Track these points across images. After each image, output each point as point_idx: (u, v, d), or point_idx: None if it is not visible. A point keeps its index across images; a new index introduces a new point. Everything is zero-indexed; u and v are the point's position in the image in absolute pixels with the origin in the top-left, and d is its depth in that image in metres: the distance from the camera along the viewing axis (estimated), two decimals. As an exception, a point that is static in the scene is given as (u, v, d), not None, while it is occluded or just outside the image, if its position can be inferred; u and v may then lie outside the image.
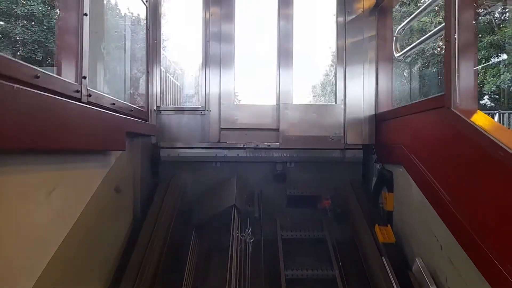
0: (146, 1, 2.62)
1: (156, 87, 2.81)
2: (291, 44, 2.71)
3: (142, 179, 2.44)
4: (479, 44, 15.93)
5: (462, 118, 1.60)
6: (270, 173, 2.65)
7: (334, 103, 2.68)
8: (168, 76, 4.07)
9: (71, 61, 1.63)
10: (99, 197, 1.78)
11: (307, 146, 2.62)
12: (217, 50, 2.72)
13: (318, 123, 2.64)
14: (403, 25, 2.65)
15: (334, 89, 2.70)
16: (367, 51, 2.66)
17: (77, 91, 1.60)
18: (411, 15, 2.61)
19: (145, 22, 2.66)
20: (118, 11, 2.64)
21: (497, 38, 15.84)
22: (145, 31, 2.66)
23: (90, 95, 1.70)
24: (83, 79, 1.66)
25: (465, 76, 1.65)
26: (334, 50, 2.78)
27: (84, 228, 1.62)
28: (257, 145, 2.62)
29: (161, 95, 2.94)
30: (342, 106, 2.64)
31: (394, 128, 2.36)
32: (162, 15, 2.93)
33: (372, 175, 2.55)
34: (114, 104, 2.00)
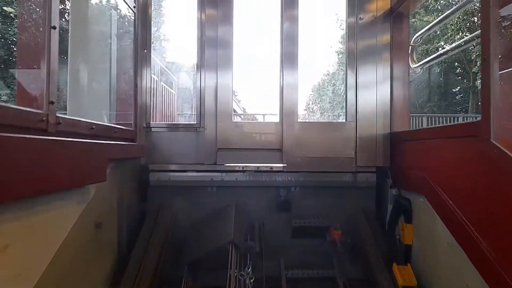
0: (134, 7, 2.34)
1: (146, 102, 2.54)
2: (296, 48, 2.43)
3: (128, 208, 2.17)
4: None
5: (505, 153, 1.32)
6: (272, 199, 2.37)
7: (344, 120, 2.40)
8: (163, 86, 3.79)
9: (35, 84, 1.36)
10: (74, 238, 1.51)
11: (314, 168, 2.35)
12: (213, 57, 2.44)
13: (326, 142, 2.36)
14: (421, 33, 2.38)
15: (344, 105, 2.42)
16: (381, 61, 2.38)
17: (43, 120, 1.33)
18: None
19: (133, 29, 2.38)
20: (103, 19, 2.36)
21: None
22: (132, 39, 2.38)
23: (59, 123, 1.42)
24: (50, 105, 1.38)
25: (508, 101, 1.37)
26: (343, 60, 2.50)
27: (55, 277, 1.35)
28: (258, 168, 2.34)
29: (152, 110, 2.66)
30: (353, 123, 2.36)
31: (414, 151, 2.09)
32: (153, 21, 2.65)
33: (387, 202, 2.27)
34: (93, 128, 1.73)
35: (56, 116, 1.40)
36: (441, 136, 1.76)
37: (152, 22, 2.57)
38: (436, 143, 1.83)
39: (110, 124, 1.94)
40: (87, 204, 1.67)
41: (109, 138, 1.93)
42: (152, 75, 3.53)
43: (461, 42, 1.95)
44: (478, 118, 1.44)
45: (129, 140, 2.26)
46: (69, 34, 2.38)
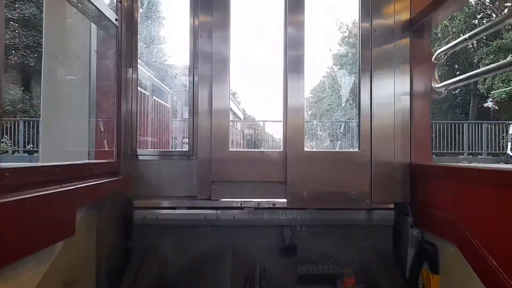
0: (116, 20, 2.04)
1: (132, 126, 2.23)
2: (301, 62, 2.12)
3: (108, 255, 1.87)
4: (487, 49, 15.37)
5: None
6: (275, 241, 2.06)
7: (357, 149, 2.09)
8: (155, 100, 3.49)
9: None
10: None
11: (323, 205, 2.04)
12: (207, 70, 2.13)
13: (337, 175, 2.06)
14: (446, 49, 2.08)
15: (357, 133, 2.11)
16: (400, 82, 2.08)
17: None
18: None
19: (115, 45, 2.08)
20: (81, 33, 2.07)
21: (506, 42, 15.29)
22: (115, 57, 2.08)
23: (5, 176, 1.12)
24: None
25: None
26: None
27: None
28: (258, 204, 2.04)
29: (142, 131, 2.35)
30: (367, 153, 2.06)
31: (440, 188, 1.78)
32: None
33: (407, 244, 1.96)
34: (57, 171, 1.42)
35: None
36: (480, 180, 1.46)
37: (138, 36, 2.27)
38: (470, 184, 1.53)
39: (82, 162, 1.64)
40: (51, 263, 1.37)
41: (82, 178, 1.63)
42: (143, 90, 3.23)
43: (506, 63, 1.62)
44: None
45: (110, 174, 1.96)
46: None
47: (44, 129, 2.10)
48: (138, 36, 2.31)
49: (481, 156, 10.41)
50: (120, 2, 2.11)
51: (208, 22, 2.14)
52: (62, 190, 1.36)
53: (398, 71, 2.08)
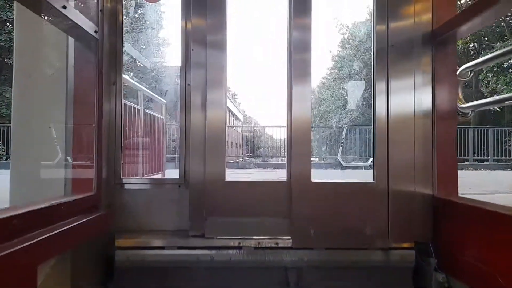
0: (96, 32, 1.78)
1: (116, 151, 1.97)
2: (308, 66, 1.87)
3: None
4: (490, 51, 15.08)
5: None
6: (279, 286, 1.80)
7: (372, 179, 1.83)
8: (147, 114, 3.22)
9: None
10: None
11: (333, 244, 1.78)
12: (200, 84, 1.88)
13: (349, 209, 1.80)
14: (472, 65, 1.82)
15: (372, 161, 1.85)
16: (420, 102, 1.82)
17: None
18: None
19: (96, 60, 1.82)
20: (57, 47, 1.81)
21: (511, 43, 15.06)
22: (95, 74, 1.82)
23: None
24: None
25: None
26: (371, 98, 1.94)
27: None
28: (259, 244, 1.77)
29: (123, 162, 2.08)
30: (384, 184, 1.80)
31: (470, 228, 1.52)
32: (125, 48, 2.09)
33: (431, 290, 1.70)
34: (13, 223, 1.16)
35: None
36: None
37: (123, 49, 2.01)
38: (507, 229, 1.27)
39: (49, 204, 1.37)
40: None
41: (50, 223, 1.37)
42: (132, 104, 2.97)
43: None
44: None
45: (88, 210, 1.70)
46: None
47: (14, 157, 1.84)
48: (124, 48, 2.05)
49: (487, 163, 10.14)
50: (101, 11, 1.85)
51: (201, 25, 1.88)
52: (18, 249, 1.10)
53: (419, 90, 1.82)
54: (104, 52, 1.88)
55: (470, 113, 1.85)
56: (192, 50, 1.88)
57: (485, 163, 10.13)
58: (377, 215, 1.79)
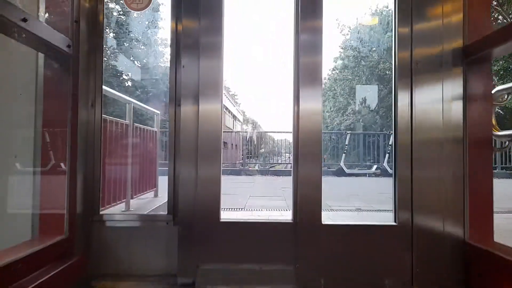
0: (69, 46, 1.51)
1: (94, 180, 1.71)
2: (319, 71, 1.61)
3: None
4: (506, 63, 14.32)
5: None
6: None
7: (393, 221, 1.56)
8: (137, 128, 2.95)
9: None
10: None
11: (347, 298, 1.51)
12: (192, 86, 1.62)
13: (366, 256, 1.53)
14: (509, 88, 1.55)
15: (393, 201, 1.58)
16: (448, 128, 1.55)
17: None
18: None
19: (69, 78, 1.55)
20: (25, 64, 1.54)
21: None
22: (69, 94, 1.55)
23: None
24: None
25: None
26: (392, 120, 1.68)
27: None
28: None
29: (103, 190, 1.82)
30: (407, 227, 1.53)
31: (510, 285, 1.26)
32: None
33: None
34: None
35: None
36: None
37: (103, 65, 1.74)
38: None
39: (5, 262, 1.11)
40: None
41: (11, 282, 1.11)
42: (121, 120, 2.70)
43: None
44: None
45: (59, 259, 1.43)
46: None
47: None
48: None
49: (495, 171, 9.83)
50: (76, 22, 1.58)
51: (193, 26, 1.62)
52: None
53: (447, 116, 1.55)
54: (81, 69, 1.62)
55: (506, 144, 1.58)
56: (183, 37, 1.62)
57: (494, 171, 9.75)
58: (399, 262, 1.52)
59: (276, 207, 4.00)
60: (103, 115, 1.78)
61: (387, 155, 8.91)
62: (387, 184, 7.03)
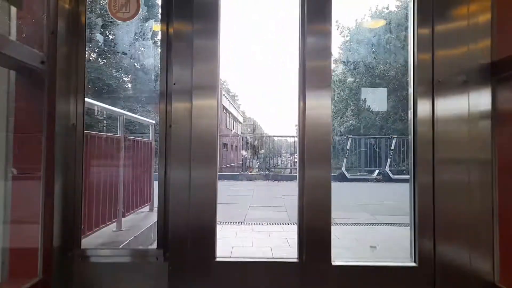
0: (43, 63, 1.33)
1: (75, 208, 1.52)
2: (327, 78, 1.47)
3: None
4: None
5: None
6: None
7: (411, 261, 1.38)
8: (129, 141, 2.77)
9: None
10: None
11: None
12: (184, 117, 1.45)
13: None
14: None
15: (411, 233, 1.40)
16: (474, 152, 1.37)
17: None
18: None
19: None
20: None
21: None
22: (43, 115, 1.37)
23: None
24: None
25: None
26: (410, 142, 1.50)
27: None
28: None
29: (88, 215, 1.63)
30: (429, 268, 1.35)
31: None
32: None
33: None
34: None
35: None
36: None
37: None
38: None
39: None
40: None
41: None
42: (112, 135, 2.52)
43: None
44: None
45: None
46: None
47: None
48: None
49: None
50: (53, 33, 1.40)
51: (185, 29, 1.48)
52: None
53: (474, 140, 1.37)
54: (59, 85, 1.43)
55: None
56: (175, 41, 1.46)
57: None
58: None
59: (277, 220, 3.81)
60: (90, 131, 1.60)
61: (389, 160, 8.74)
62: (389, 191, 6.85)
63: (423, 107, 1.42)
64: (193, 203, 1.44)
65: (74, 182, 1.53)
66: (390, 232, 3.34)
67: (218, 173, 1.50)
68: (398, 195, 6.37)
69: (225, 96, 27.19)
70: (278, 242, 2.87)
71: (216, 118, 1.48)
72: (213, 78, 1.48)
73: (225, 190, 6.67)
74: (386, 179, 8.47)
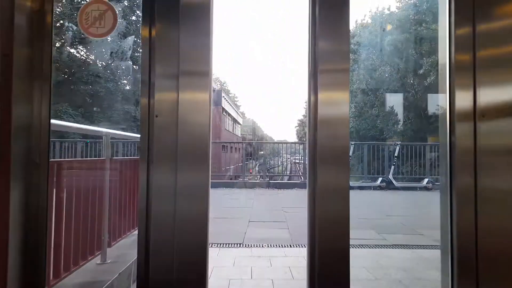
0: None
1: (40, 260, 1.27)
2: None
3: None
4: None
5: None
6: None
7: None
8: (115, 162, 2.52)
9: None
10: None
11: None
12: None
13: None
14: None
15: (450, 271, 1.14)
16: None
17: None
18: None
19: None
20: None
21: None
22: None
23: None
24: None
25: None
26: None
27: None
28: None
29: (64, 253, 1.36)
30: None
31: None
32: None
33: None
34: None
35: None
36: None
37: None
38: None
39: None
40: None
41: None
42: (95, 159, 2.25)
43: None
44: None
45: None
46: None
47: None
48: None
49: None
50: (7, 56, 1.14)
51: (171, 33, 1.26)
52: None
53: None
54: (14, 128, 1.17)
55: None
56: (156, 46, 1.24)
57: None
58: None
59: (278, 240, 3.56)
60: (59, 159, 1.34)
61: (392, 167, 8.50)
62: (395, 201, 6.59)
63: (463, 106, 1.24)
64: (179, 225, 1.22)
65: (37, 226, 1.27)
66: (405, 259, 3.06)
67: (210, 179, 1.30)
68: (404, 206, 6.13)
69: (225, 98, 26.97)
70: (280, 273, 2.62)
71: (208, 115, 1.27)
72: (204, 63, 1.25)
73: (224, 201, 6.42)
74: (389, 186, 8.24)
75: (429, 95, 10.96)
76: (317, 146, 1.25)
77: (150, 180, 1.27)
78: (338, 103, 1.27)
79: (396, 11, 17.43)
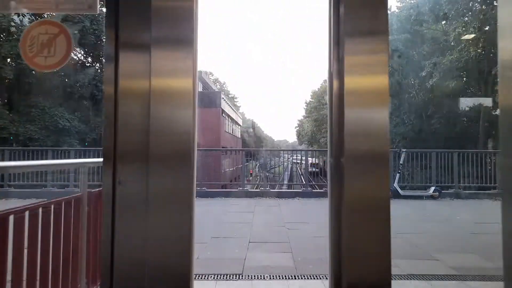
0: None
1: None
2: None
3: None
4: None
5: None
6: None
7: None
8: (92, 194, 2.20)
9: None
10: None
11: None
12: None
13: None
14: None
15: None
16: None
17: None
18: None
19: None
20: None
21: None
22: None
23: None
24: None
25: None
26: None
27: None
28: None
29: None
30: None
31: None
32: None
33: None
34: None
35: None
36: None
37: None
38: None
39: None
40: None
41: None
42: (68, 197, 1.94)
43: None
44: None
45: None
46: None
47: None
48: None
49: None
50: None
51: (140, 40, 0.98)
52: None
53: None
54: None
55: None
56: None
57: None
58: None
59: (282, 269, 3.24)
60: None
61: (398, 175, 8.18)
62: (402, 213, 6.22)
63: None
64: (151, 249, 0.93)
65: None
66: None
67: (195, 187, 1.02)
68: (414, 219, 5.77)
69: (224, 100, 26.63)
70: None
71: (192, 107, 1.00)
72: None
73: (221, 213, 6.10)
74: (394, 195, 7.92)
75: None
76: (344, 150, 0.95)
77: (116, 192, 0.95)
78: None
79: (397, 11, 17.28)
